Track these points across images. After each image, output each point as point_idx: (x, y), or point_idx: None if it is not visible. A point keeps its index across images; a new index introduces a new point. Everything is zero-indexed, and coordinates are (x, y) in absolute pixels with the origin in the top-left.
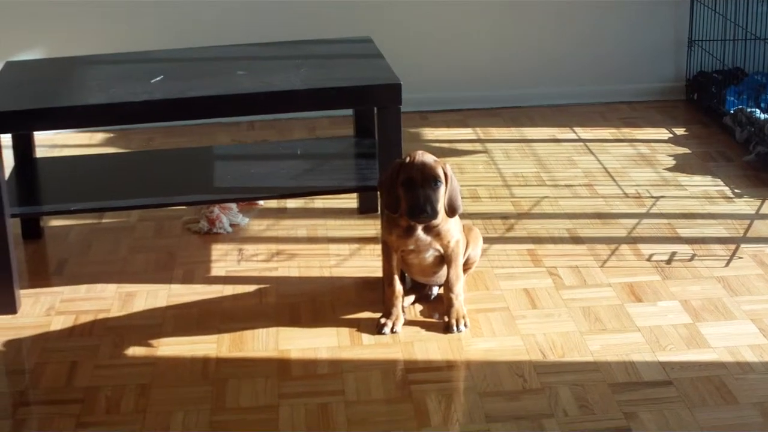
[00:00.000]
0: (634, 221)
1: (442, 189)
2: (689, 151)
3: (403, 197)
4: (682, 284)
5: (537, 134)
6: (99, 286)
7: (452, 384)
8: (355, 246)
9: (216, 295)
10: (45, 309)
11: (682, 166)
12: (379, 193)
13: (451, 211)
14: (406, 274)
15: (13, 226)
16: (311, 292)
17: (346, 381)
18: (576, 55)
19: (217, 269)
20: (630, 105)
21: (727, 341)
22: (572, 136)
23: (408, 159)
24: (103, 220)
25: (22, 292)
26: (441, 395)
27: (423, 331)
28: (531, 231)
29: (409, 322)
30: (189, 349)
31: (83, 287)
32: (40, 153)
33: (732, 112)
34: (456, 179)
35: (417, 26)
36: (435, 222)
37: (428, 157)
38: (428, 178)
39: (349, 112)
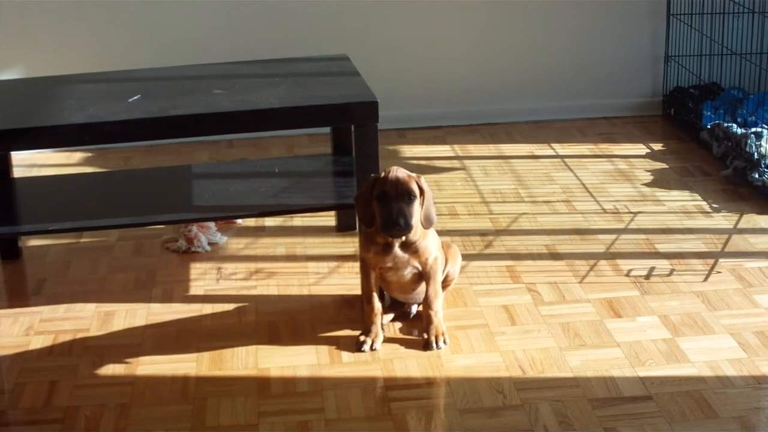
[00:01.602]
0: (612, 237)
1: (416, 203)
2: (667, 166)
3: (377, 211)
4: (661, 299)
5: (515, 151)
6: (78, 306)
7: (432, 401)
8: (333, 264)
9: (195, 314)
10: (24, 329)
11: (659, 181)
12: (355, 207)
13: (427, 222)
14: (385, 292)
15: None
16: (290, 310)
17: (326, 399)
18: (554, 71)
19: (196, 288)
20: (608, 120)
21: (707, 356)
22: (550, 152)
23: (383, 174)
24: (82, 240)
25: (1, 312)
26: (421, 412)
27: (402, 349)
28: (510, 247)
29: (388, 340)
30: (168, 368)
31: (62, 307)
32: (18, 173)
33: (709, 127)
34: (431, 192)
35: (394, 43)
36: (412, 238)
37: (402, 172)
38: (402, 193)
39: (327, 129)
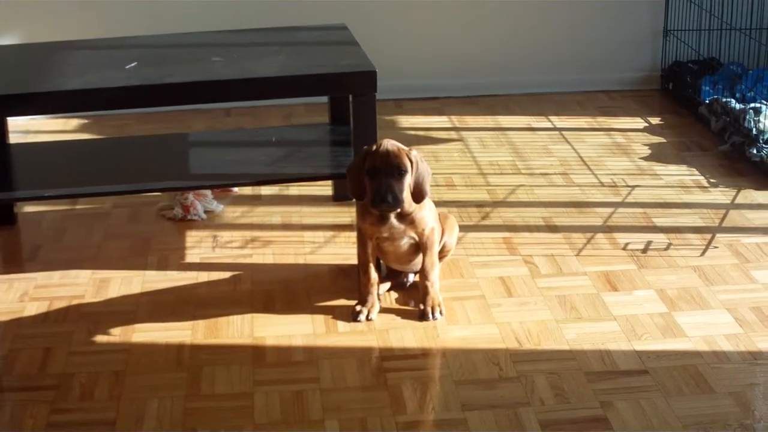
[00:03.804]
0: (609, 210)
1: (407, 177)
2: (665, 141)
3: (368, 186)
4: (658, 273)
5: (513, 123)
6: (73, 273)
7: (428, 372)
8: (329, 233)
9: (191, 281)
10: (19, 295)
11: (657, 155)
12: (347, 179)
13: (417, 196)
14: (382, 262)
15: None
16: (286, 279)
17: (321, 368)
18: (553, 43)
19: (192, 256)
20: (606, 94)
21: (703, 330)
22: (548, 124)
23: (374, 147)
24: (77, 207)
25: None
26: (416, 383)
27: (398, 319)
28: (506, 219)
29: (384, 310)
30: (163, 336)
31: (57, 273)
32: (13, 139)
33: (707, 101)
34: (425, 165)
35: (393, 13)
36: (408, 209)
37: (393, 145)
38: (392, 168)
39: (325, 99)
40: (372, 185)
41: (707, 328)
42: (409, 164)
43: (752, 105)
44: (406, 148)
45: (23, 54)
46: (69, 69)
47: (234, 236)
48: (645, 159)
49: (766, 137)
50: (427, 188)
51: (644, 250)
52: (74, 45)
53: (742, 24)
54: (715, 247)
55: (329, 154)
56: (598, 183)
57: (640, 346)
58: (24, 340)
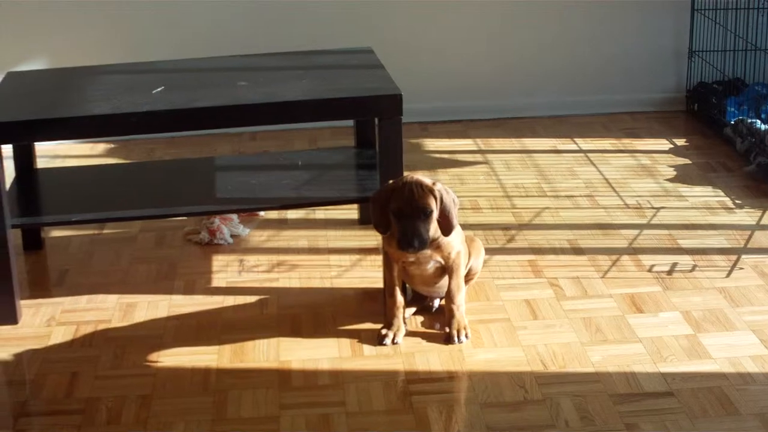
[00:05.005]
0: (635, 232)
1: (433, 216)
2: (690, 162)
3: (393, 225)
4: (683, 295)
5: (538, 145)
6: (100, 297)
7: (453, 395)
8: (355, 257)
9: (217, 305)
10: (46, 319)
11: (682, 176)
12: (371, 211)
13: (445, 229)
14: (408, 285)
15: (14, 237)
16: (312, 303)
17: (347, 392)
18: (577, 65)
19: (218, 280)
20: (631, 115)
21: (729, 352)
22: (573, 146)
23: (399, 183)
24: (104, 231)
25: (23, 302)
26: (442, 406)
27: (424, 342)
28: (532, 242)
29: (410, 333)
30: (190, 360)
31: (84, 298)
32: (41, 164)
33: (732, 122)
34: (451, 196)
35: (418, 37)
36: (434, 235)
37: (418, 184)
38: (417, 210)
39: (350, 122)
40: (398, 227)
41: (732, 350)
42: (434, 202)
43: None
44: (430, 182)
45: (50, 79)
46: (96, 94)
47: (260, 260)
48: (670, 180)
49: None
50: (455, 220)
51: (669, 272)
52: (101, 70)
53: (767, 45)
54: (741, 269)
55: (355, 178)
56: (624, 205)
57: (665, 368)
58: (51, 365)
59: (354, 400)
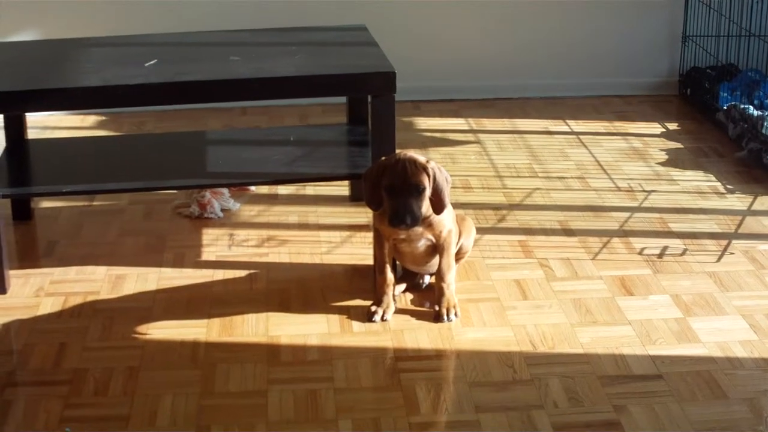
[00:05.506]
0: (626, 215)
1: (425, 193)
2: (682, 146)
3: (385, 201)
4: (673, 278)
5: (530, 126)
6: (89, 269)
7: (442, 373)
8: (346, 233)
9: (206, 279)
10: (34, 290)
11: (674, 160)
12: (363, 188)
13: (437, 207)
14: (398, 263)
15: (4, 207)
16: (302, 278)
17: (335, 368)
18: (571, 48)
19: (208, 254)
20: (623, 99)
21: (718, 336)
22: (565, 128)
23: (393, 160)
24: (94, 203)
25: (12, 272)
26: (430, 384)
27: (413, 320)
28: (523, 222)
29: (399, 311)
30: (178, 333)
31: (73, 269)
32: (31, 134)
33: (725, 108)
34: (444, 174)
35: (411, 15)
36: (426, 213)
37: (411, 162)
38: (410, 186)
39: (342, 100)
40: (390, 203)
41: (722, 334)
42: (427, 180)
43: None
44: (423, 159)
45: (42, 50)
46: (87, 66)
47: (250, 235)
48: (662, 164)
49: None
50: (447, 199)
51: (660, 255)
52: (93, 42)
53: (761, 30)
54: (731, 254)
55: (347, 155)
56: (615, 187)
57: (654, 351)
58: (39, 335)
59: (342, 376)
